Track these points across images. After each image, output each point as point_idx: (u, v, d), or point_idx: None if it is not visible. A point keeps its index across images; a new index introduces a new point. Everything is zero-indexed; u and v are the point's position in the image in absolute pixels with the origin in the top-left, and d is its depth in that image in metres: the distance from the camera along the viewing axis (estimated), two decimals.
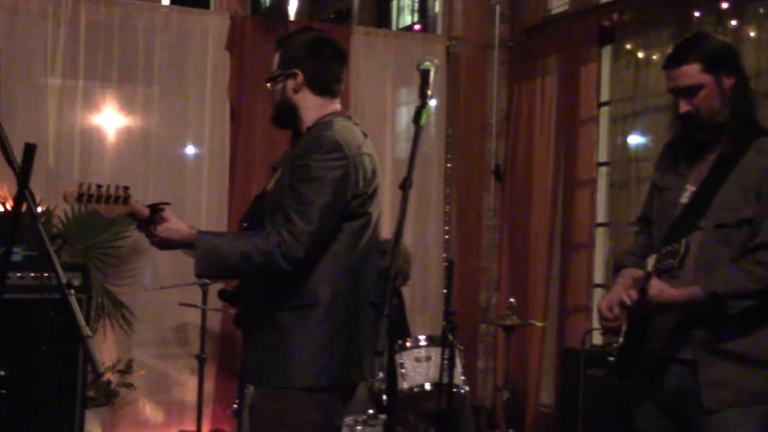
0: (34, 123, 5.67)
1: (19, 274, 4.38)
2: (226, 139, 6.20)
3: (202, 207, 6.14)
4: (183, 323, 6.03)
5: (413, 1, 16.22)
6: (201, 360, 5.28)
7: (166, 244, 3.04)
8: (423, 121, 2.71)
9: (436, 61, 2.85)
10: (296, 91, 3.13)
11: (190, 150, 6.26)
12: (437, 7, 9.24)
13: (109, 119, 5.98)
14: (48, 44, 5.74)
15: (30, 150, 2.25)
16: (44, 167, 5.56)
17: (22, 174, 2.25)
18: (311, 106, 3.14)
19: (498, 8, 6.83)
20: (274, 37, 6.17)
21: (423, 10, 16.09)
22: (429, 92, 2.76)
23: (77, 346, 4.48)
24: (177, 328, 6.07)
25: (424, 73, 2.78)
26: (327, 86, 3.17)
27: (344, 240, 3.01)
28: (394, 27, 15.43)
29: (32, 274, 4.42)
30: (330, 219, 2.96)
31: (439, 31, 7.26)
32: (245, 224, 3.21)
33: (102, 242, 5.52)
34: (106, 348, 5.69)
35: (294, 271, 2.92)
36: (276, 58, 3.22)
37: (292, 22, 6.47)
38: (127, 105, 6.03)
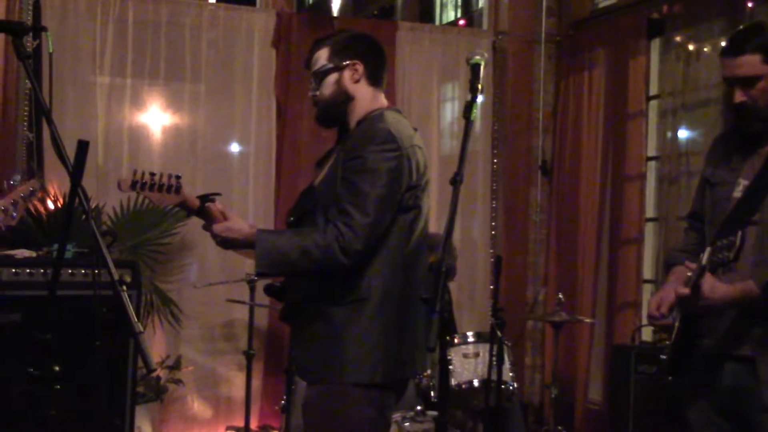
0: (84, 121, 5.72)
1: (70, 271, 4.42)
2: (272, 136, 6.21)
3: (248, 204, 6.16)
4: (230, 319, 6.06)
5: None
6: (249, 356, 5.29)
7: (228, 243, 3.06)
8: (474, 115, 2.69)
9: (486, 55, 2.83)
10: (355, 81, 3.14)
11: (237, 147, 6.28)
12: (482, 2, 9.19)
13: (157, 117, 6.02)
14: (96, 43, 5.79)
15: (83, 147, 2.26)
16: (93, 165, 5.61)
17: (76, 171, 2.26)
18: (366, 98, 3.15)
19: (545, 2, 6.77)
20: (319, 34, 6.28)
21: (466, 6, 16.01)
22: (479, 86, 2.75)
23: (128, 343, 4.53)
24: (224, 325, 6.10)
25: (475, 68, 2.77)
26: (380, 78, 3.20)
27: (397, 233, 2.99)
28: (437, 23, 15.38)
29: (83, 271, 4.45)
30: (386, 211, 2.95)
31: (484, 25, 7.21)
32: (292, 219, 3.21)
33: (151, 239, 5.55)
34: (155, 344, 5.72)
35: (352, 264, 2.91)
36: (324, 54, 3.18)
37: (336, 18, 6.45)
38: (174, 102, 6.07)
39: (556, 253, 6.74)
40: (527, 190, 6.87)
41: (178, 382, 5.74)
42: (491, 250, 6.68)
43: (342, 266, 2.91)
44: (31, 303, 4.15)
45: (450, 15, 16.29)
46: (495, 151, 6.80)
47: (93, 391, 4.18)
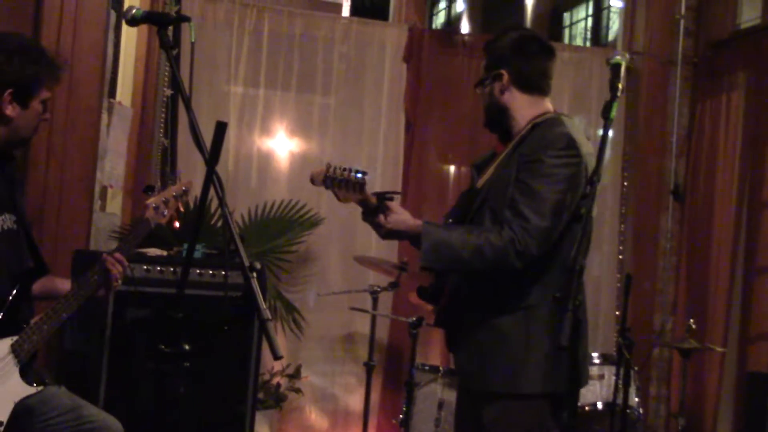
0: None
1: (198, 271, 4.47)
2: (400, 150, 6.22)
3: None
4: (351, 332, 6.06)
5: (586, 29, 15.97)
6: (369, 367, 5.26)
7: (392, 234, 3.06)
8: (613, 114, 2.64)
9: (627, 56, 2.77)
10: (503, 91, 3.10)
11: (365, 159, 6.30)
12: (615, 26, 9.04)
13: (287, 127, 6.09)
14: (232, 53, 5.91)
15: (221, 128, 2.28)
16: (224, 172, 5.69)
17: (213, 151, 2.27)
18: (522, 105, 3.10)
19: (682, 22, 6.59)
20: (450, 50, 6.29)
21: (596, 36, 15.79)
22: (620, 86, 2.68)
23: (250, 351, 4.56)
24: (345, 337, 6.10)
25: (615, 67, 2.72)
26: (535, 83, 3.12)
27: (568, 242, 2.93)
28: None
29: (211, 272, 4.50)
30: (561, 217, 2.89)
31: (618, 46, 7.07)
32: (450, 221, 3.19)
33: (276, 247, 5.59)
34: None
35: (524, 269, 2.86)
36: (483, 63, 3.20)
37: (467, 35, 6.43)
38: (305, 114, 6.14)
39: (686, 280, 6.51)
40: (657, 214, 6.66)
41: (297, 391, 5.75)
42: (618, 275, 6.50)
43: (514, 270, 2.87)
44: (160, 300, 4.23)
45: (578, 42, 16.10)
46: (625, 174, 6.64)
47: (219, 375, 4.24)
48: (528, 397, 2.95)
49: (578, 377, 2.96)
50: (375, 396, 5.88)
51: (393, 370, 5.99)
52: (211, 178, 2.35)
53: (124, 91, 5.63)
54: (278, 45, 6.01)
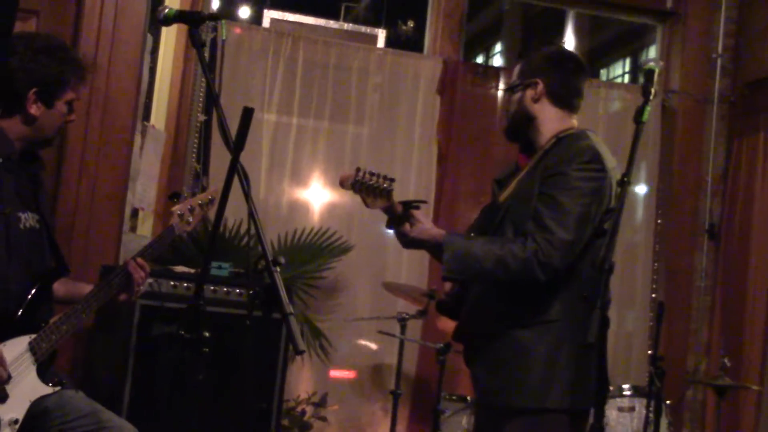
0: (249, 155, 5.81)
1: (225, 289, 4.47)
2: (431, 181, 6.18)
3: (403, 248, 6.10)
4: (379, 363, 5.99)
5: (624, 73, 15.97)
6: (396, 396, 5.17)
7: (415, 243, 3.06)
8: (645, 117, 2.64)
9: (662, 63, 2.78)
10: (535, 101, 3.11)
11: (396, 190, 6.25)
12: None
13: (320, 157, 6.08)
14: (266, 81, 5.94)
15: (248, 113, 2.26)
16: (256, 197, 5.69)
17: (239, 136, 2.25)
18: (550, 118, 3.10)
19: (720, 61, 6.56)
20: (485, 84, 6.30)
21: (635, 70, 15.83)
22: (652, 90, 2.69)
23: (276, 371, 4.53)
24: (373, 368, 6.04)
25: (648, 73, 2.76)
26: (567, 99, 3.14)
27: (589, 257, 2.90)
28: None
29: (237, 291, 4.49)
30: (585, 231, 2.88)
31: (654, 85, 7.02)
32: (471, 235, 3.17)
33: (306, 272, 5.56)
34: (303, 379, 5.72)
35: (547, 282, 2.83)
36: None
37: (503, 68, 6.44)
38: (337, 143, 6.13)
39: (720, 321, 6.39)
40: (692, 254, 6.57)
41: (323, 419, 5.68)
42: (650, 313, 6.40)
43: (537, 282, 2.85)
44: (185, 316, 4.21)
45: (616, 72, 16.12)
46: (659, 212, 6.56)
47: (243, 399, 4.20)
48: (553, 411, 2.89)
49: (604, 389, 2.91)
50: (401, 426, 5.79)
51: (420, 400, 5.90)
52: (236, 166, 2.33)
53: (158, 116, 5.68)
54: (312, 74, 6.02)
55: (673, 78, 6.69)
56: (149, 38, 5.21)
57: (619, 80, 15.41)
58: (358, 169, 2.97)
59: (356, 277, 5.95)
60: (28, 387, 2.96)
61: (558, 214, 2.86)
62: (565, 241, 2.84)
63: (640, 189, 6.59)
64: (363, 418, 6.00)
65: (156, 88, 5.62)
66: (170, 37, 5.68)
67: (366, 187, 2.98)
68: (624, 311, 6.40)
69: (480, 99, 6.35)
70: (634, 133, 2.63)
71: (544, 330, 2.91)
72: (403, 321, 5.22)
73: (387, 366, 5.88)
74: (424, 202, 3.16)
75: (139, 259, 3.24)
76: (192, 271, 4.54)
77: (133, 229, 5.39)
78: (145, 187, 5.39)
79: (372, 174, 2.98)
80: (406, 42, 6.59)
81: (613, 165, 2.99)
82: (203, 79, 5.51)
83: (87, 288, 3.28)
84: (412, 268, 6.02)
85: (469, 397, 5.01)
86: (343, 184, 3.03)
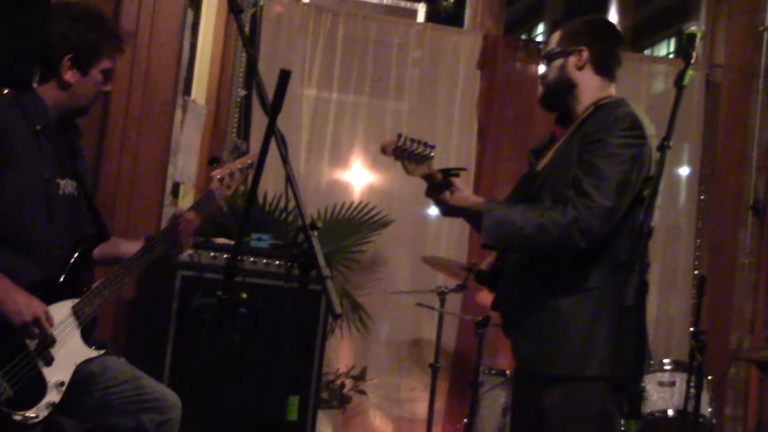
0: (290, 130, 5.82)
1: (265, 261, 4.49)
2: (472, 157, 6.15)
3: (443, 222, 6.09)
4: (418, 337, 6.00)
5: (669, 53, 15.77)
6: (435, 369, 5.17)
7: (455, 210, 3.04)
8: (687, 81, 2.61)
9: (703, 28, 2.75)
10: (579, 68, 3.09)
11: (436, 165, 6.23)
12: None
13: (359, 132, 6.08)
14: (306, 56, 5.94)
15: (285, 76, 2.26)
16: (297, 173, 5.70)
17: (276, 99, 2.25)
18: (591, 86, 3.09)
19: (766, 35, 6.45)
20: (525, 58, 6.24)
21: (680, 43, 15.60)
22: (693, 54, 2.66)
23: (315, 343, 4.54)
24: (412, 343, 6.04)
25: (690, 37, 2.71)
26: (609, 68, 3.13)
27: (628, 223, 2.87)
28: None
29: (277, 263, 4.51)
30: (626, 197, 2.85)
31: (699, 58, 6.93)
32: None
33: (346, 248, 5.57)
34: (342, 353, 5.74)
35: (588, 248, 2.81)
36: (556, 37, 3.19)
37: (542, 42, 6.38)
38: (377, 119, 6.12)
39: (764, 297, 6.31)
40: (735, 230, 6.49)
41: (362, 392, 5.70)
42: (693, 290, 6.33)
43: (578, 249, 2.83)
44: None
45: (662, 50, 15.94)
46: (702, 188, 6.49)
47: (281, 369, 4.21)
48: (592, 380, 2.88)
49: (643, 355, 2.89)
50: (440, 403, 5.79)
51: (459, 375, 5.89)
52: (273, 129, 2.33)
53: (199, 91, 5.70)
54: (352, 49, 6.02)
55: (718, 52, 6.60)
56: (189, 13, 5.23)
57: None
58: (399, 135, 2.96)
59: (395, 252, 5.95)
60: (73, 350, 2.99)
61: (598, 180, 2.83)
62: (606, 207, 2.81)
63: (683, 170, 6.52)
64: (402, 391, 6.01)
65: (197, 63, 5.63)
66: (210, 12, 5.69)
67: (407, 153, 2.96)
68: (666, 289, 6.34)
69: (521, 75, 6.29)
70: (675, 97, 2.59)
71: (583, 298, 2.89)
72: (442, 295, 5.22)
73: (426, 340, 5.88)
74: (464, 169, 3.15)
75: (189, 213, 3.26)
76: (232, 243, 4.57)
77: (174, 203, 5.42)
78: (185, 162, 5.42)
79: (413, 140, 2.97)
80: (446, 17, 6.54)
81: (653, 132, 2.96)
82: (243, 54, 5.52)
83: (126, 246, 3.29)
84: (452, 243, 6.01)
85: (508, 372, 5.00)
86: (384, 150, 3.01)
